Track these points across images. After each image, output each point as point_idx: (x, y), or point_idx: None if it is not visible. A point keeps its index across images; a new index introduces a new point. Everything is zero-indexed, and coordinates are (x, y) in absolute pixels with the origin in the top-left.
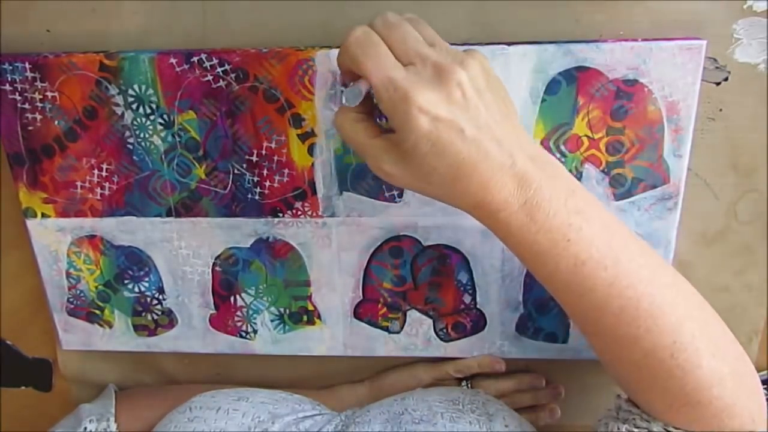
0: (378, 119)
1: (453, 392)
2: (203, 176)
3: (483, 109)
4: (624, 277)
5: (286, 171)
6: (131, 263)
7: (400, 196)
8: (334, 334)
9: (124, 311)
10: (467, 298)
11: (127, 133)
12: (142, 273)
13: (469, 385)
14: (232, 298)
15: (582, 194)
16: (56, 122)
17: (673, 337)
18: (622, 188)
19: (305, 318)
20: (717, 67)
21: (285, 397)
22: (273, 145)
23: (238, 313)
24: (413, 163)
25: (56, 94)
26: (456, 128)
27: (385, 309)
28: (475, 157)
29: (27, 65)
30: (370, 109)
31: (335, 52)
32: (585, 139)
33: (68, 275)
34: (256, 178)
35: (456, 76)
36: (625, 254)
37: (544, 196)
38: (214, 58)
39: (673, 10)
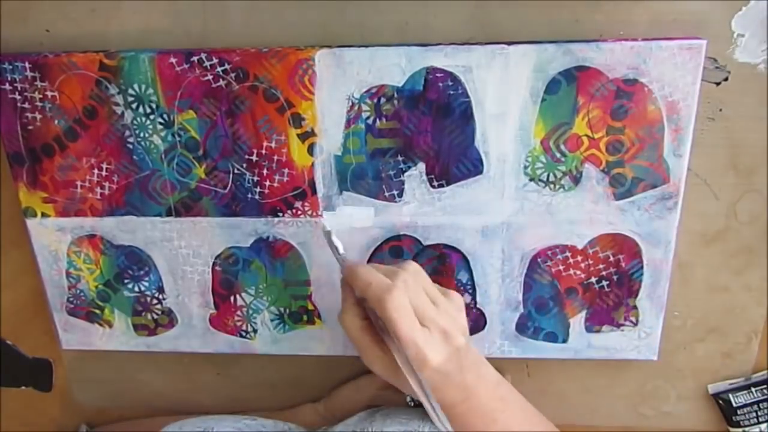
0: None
1: (411, 423)
2: (203, 176)
3: (463, 356)
4: None
5: (286, 170)
6: (131, 263)
7: (400, 195)
8: (334, 334)
9: (124, 311)
10: (467, 298)
11: (127, 133)
12: (142, 272)
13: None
14: (232, 298)
15: (504, 385)
16: (56, 122)
17: None
18: (622, 188)
19: (305, 317)
20: (717, 67)
21: (249, 424)
22: (273, 145)
23: (238, 312)
24: (403, 380)
25: (56, 93)
26: (446, 376)
27: None
28: (444, 384)
29: (27, 65)
30: (367, 310)
31: (335, 51)
32: (585, 139)
33: (68, 275)
34: (256, 178)
35: (457, 342)
36: (537, 425)
37: (477, 393)
38: (214, 58)
39: (673, 10)
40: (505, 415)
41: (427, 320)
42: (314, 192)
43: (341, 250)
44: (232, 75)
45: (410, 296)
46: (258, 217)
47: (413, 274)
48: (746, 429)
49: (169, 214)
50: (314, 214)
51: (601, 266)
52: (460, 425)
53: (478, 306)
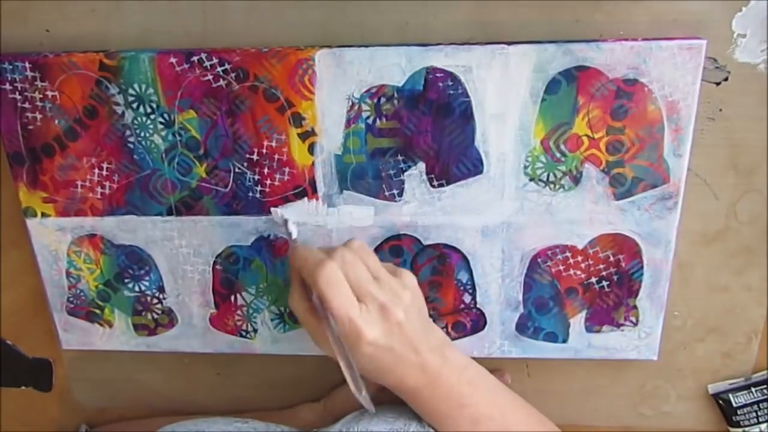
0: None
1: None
2: (204, 175)
3: (408, 329)
4: (512, 424)
5: (287, 170)
6: (131, 262)
7: (400, 195)
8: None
9: (124, 310)
10: (467, 298)
11: (128, 133)
12: (142, 272)
13: None
14: (232, 297)
15: (472, 368)
16: (56, 121)
17: None
18: (622, 188)
19: None
20: (717, 67)
21: (240, 427)
22: (273, 144)
23: (239, 312)
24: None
25: (56, 93)
26: (389, 350)
27: None
28: (398, 364)
29: (27, 65)
30: (310, 292)
31: (335, 51)
32: (585, 139)
33: (68, 275)
34: (256, 177)
35: (395, 317)
36: (509, 409)
37: (442, 376)
38: (214, 58)
39: (673, 10)
40: (474, 399)
41: (365, 294)
42: (315, 191)
43: (294, 236)
44: (233, 75)
45: (346, 270)
46: (259, 215)
47: (354, 249)
48: (746, 429)
49: (169, 214)
50: (315, 213)
51: (601, 266)
52: (429, 410)
53: (478, 306)
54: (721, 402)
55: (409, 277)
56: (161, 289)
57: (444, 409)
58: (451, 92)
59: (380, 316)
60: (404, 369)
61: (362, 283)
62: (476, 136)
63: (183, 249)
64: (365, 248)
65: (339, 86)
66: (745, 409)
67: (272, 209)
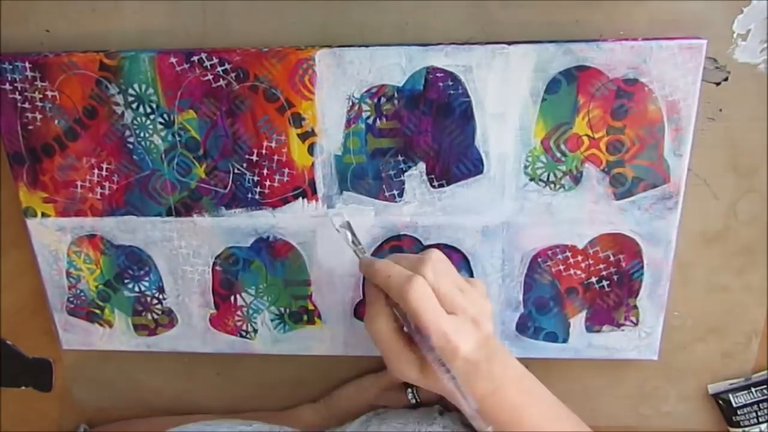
0: (405, 322)
1: (407, 426)
2: (203, 175)
3: (492, 344)
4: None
5: (287, 170)
6: (131, 263)
7: (401, 195)
8: (335, 334)
9: (124, 311)
10: None
11: (128, 133)
12: (142, 272)
13: (416, 393)
14: (232, 298)
15: (528, 377)
16: (56, 121)
17: None
18: (622, 187)
19: (305, 317)
20: (717, 67)
21: (244, 430)
22: (273, 145)
23: (239, 312)
24: (434, 379)
25: (56, 93)
26: (477, 365)
27: None
28: (476, 376)
29: (27, 65)
30: (397, 312)
31: (335, 51)
32: (585, 139)
33: (68, 275)
34: (256, 178)
35: (486, 329)
36: (559, 419)
37: (504, 385)
38: (214, 58)
39: (673, 10)
40: (532, 410)
41: (456, 307)
42: (314, 192)
43: (360, 244)
44: (232, 75)
45: (435, 284)
46: (258, 216)
47: (437, 261)
48: (746, 429)
49: (169, 214)
50: (315, 214)
51: (601, 266)
52: (489, 420)
53: None
54: (721, 402)
55: (483, 286)
56: (161, 290)
57: (504, 419)
58: (452, 92)
59: (473, 328)
60: (477, 380)
61: (454, 296)
62: (476, 136)
63: (182, 249)
64: (445, 259)
65: (339, 86)
66: (745, 409)
67: (331, 216)
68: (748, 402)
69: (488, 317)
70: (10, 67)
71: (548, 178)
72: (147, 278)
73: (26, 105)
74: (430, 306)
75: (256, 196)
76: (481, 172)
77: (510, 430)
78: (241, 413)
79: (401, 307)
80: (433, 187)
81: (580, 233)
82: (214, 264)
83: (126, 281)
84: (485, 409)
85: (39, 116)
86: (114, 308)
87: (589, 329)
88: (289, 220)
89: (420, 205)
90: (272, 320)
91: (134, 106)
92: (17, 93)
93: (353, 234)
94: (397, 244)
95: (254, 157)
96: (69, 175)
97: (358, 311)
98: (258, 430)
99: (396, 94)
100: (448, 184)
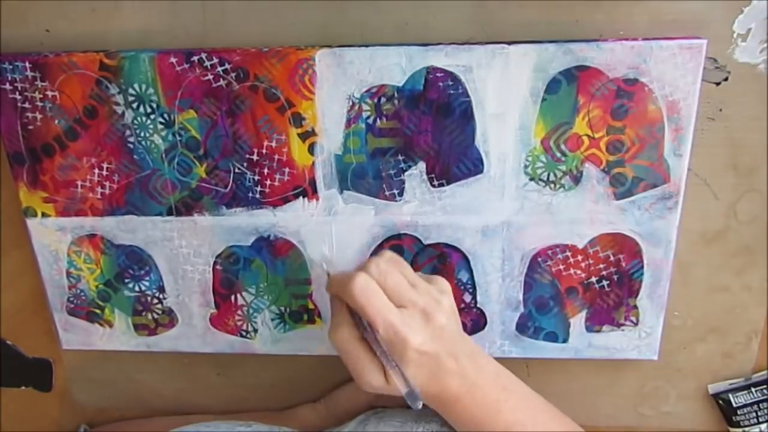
0: (363, 328)
1: (405, 426)
2: (204, 175)
3: (449, 336)
4: (541, 427)
5: (287, 170)
6: (132, 262)
7: (401, 195)
8: None
9: (125, 310)
10: (467, 297)
11: (128, 132)
12: (142, 272)
13: None
14: (232, 297)
15: (504, 374)
16: (56, 121)
17: None
18: (622, 187)
19: (306, 317)
20: (717, 67)
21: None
22: (273, 144)
23: (239, 312)
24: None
25: (56, 93)
26: (434, 357)
27: None
28: (440, 371)
29: (27, 65)
30: (358, 321)
31: (335, 51)
32: (585, 139)
33: (68, 274)
34: (256, 177)
35: (438, 321)
36: (539, 413)
37: (478, 382)
38: (214, 58)
39: (673, 10)
40: (509, 404)
41: (405, 300)
42: (315, 191)
43: (329, 270)
44: (233, 75)
45: (380, 279)
46: (259, 216)
47: (384, 260)
48: (746, 429)
49: (169, 214)
50: (315, 213)
51: (601, 266)
52: (467, 419)
53: (478, 305)
54: (721, 402)
55: (444, 283)
56: (161, 289)
57: (482, 417)
58: (452, 92)
59: (423, 321)
60: (446, 376)
61: (401, 290)
62: (476, 135)
63: (183, 249)
64: (397, 258)
65: (339, 86)
66: (745, 409)
67: (320, 254)
68: (748, 402)
69: (442, 311)
70: (10, 67)
71: (548, 178)
72: (147, 278)
73: (26, 105)
74: (375, 300)
75: (257, 196)
76: (481, 171)
77: (489, 429)
78: (241, 413)
79: (351, 306)
80: (433, 186)
81: (580, 233)
82: (215, 263)
83: (126, 281)
84: (461, 409)
85: (39, 116)
86: (114, 308)
87: (589, 329)
88: (289, 219)
89: (420, 204)
90: (272, 320)
91: (134, 105)
92: (17, 93)
93: (324, 267)
94: (397, 243)
95: (255, 157)
96: (69, 175)
97: None
98: (257, 431)
99: (396, 94)
100: (448, 183)
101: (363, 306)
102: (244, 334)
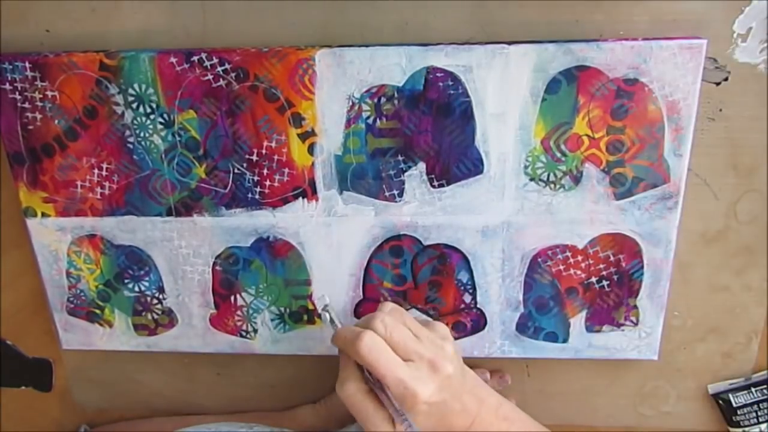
0: (371, 381)
1: None
2: (203, 175)
3: (455, 382)
4: None
5: (287, 170)
6: (131, 262)
7: (401, 195)
8: None
9: (125, 311)
10: (467, 298)
11: (128, 133)
12: (142, 272)
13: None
14: (232, 298)
15: (505, 404)
16: (56, 121)
17: None
18: (622, 187)
19: (305, 317)
20: (717, 67)
21: None
22: (273, 145)
23: (239, 312)
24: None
25: (56, 93)
26: (443, 405)
27: None
28: (446, 415)
29: (27, 65)
30: (366, 374)
31: (335, 51)
32: (585, 139)
33: (68, 275)
34: (256, 178)
35: (445, 371)
36: None
37: (481, 416)
38: (214, 58)
39: (673, 10)
40: None
41: (411, 353)
42: (315, 191)
43: (337, 323)
44: (233, 75)
45: (386, 335)
46: (258, 216)
47: (387, 313)
48: (746, 429)
49: (169, 214)
50: (315, 214)
51: (601, 266)
52: None
53: (478, 306)
54: (721, 402)
55: (443, 328)
56: (161, 290)
57: None
58: (452, 92)
59: (431, 372)
60: (452, 417)
61: (407, 344)
62: (476, 136)
63: (183, 249)
64: (399, 308)
65: (339, 86)
66: (745, 409)
67: (316, 299)
68: (748, 402)
69: (448, 359)
70: (10, 67)
71: (548, 178)
72: (147, 278)
73: (26, 105)
74: (383, 356)
75: (256, 196)
76: (481, 171)
77: None
78: (241, 413)
79: (360, 362)
80: (433, 187)
81: (580, 233)
82: (214, 264)
83: (126, 281)
84: None
85: (39, 116)
86: (114, 308)
87: (589, 329)
88: (289, 220)
89: (420, 204)
90: (272, 320)
91: (134, 106)
92: (17, 93)
93: (333, 315)
94: (397, 244)
95: (254, 157)
96: (69, 175)
97: (358, 311)
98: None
99: (396, 94)
100: (448, 184)
101: (371, 364)
102: (243, 334)
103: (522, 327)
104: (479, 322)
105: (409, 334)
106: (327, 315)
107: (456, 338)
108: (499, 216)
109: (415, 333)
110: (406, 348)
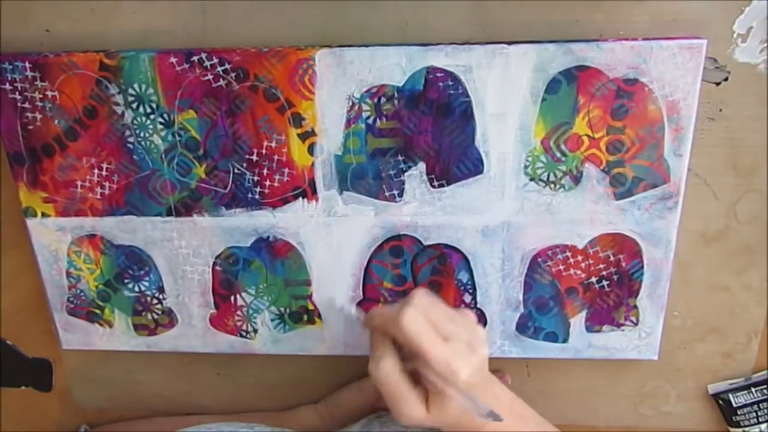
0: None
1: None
2: (203, 175)
3: (486, 368)
4: None
5: (287, 170)
6: (131, 262)
7: (401, 195)
8: (335, 334)
9: (125, 311)
10: (467, 298)
11: (128, 133)
12: (142, 272)
13: None
14: (232, 298)
15: (518, 402)
16: (56, 121)
17: None
18: (622, 187)
19: (305, 317)
20: (717, 67)
21: None
22: (273, 145)
23: (239, 312)
24: (439, 410)
25: (56, 93)
26: (476, 389)
27: None
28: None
29: (27, 65)
30: (401, 356)
31: (335, 51)
32: (585, 139)
33: (68, 275)
34: (256, 178)
35: (482, 352)
36: None
37: (501, 411)
38: (214, 58)
39: (673, 10)
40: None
41: (449, 333)
42: (314, 191)
43: (356, 314)
44: (233, 75)
45: (425, 314)
46: (258, 216)
47: (422, 296)
48: (746, 429)
49: (169, 214)
50: (314, 214)
51: (601, 266)
52: None
53: (478, 306)
54: (721, 402)
55: (473, 315)
56: (161, 290)
57: None
58: (452, 92)
59: (469, 352)
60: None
61: (444, 324)
62: (476, 136)
63: (182, 249)
64: (431, 294)
65: (339, 86)
66: (745, 409)
67: (337, 302)
68: (748, 402)
69: (482, 342)
70: (10, 67)
71: (548, 178)
72: (147, 278)
73: (26, 105)
74: (426, 332)
75: (256, 196)
76: (481, 172)
77: None
78: (241, 413)
79: (399, 339)
80: (433, 187)
81: (580, 233)
82: (214, 264)
83: (126, 281)
84: None
85: (39, 116)
86: (114, 308)
87: (589, 329)
88: (289, 220)
89: (420, 205)
90: (272, 320)
91: (134, 106)
92: (17, 93)
93: (353, 313)
94: (397, 244)
95: (254, 157)
96: (69, 175)
97: (359, 311)
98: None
99: (396, 94)
100: (448, 184)
101: (415, 339)
102: (244, 334)
103: (522, 327)
104: (479, 322)
105: (445, 315)
106: (349, 307)
107: None
108: (499, 216)
109: (449, 316)
110: (446, 328)
